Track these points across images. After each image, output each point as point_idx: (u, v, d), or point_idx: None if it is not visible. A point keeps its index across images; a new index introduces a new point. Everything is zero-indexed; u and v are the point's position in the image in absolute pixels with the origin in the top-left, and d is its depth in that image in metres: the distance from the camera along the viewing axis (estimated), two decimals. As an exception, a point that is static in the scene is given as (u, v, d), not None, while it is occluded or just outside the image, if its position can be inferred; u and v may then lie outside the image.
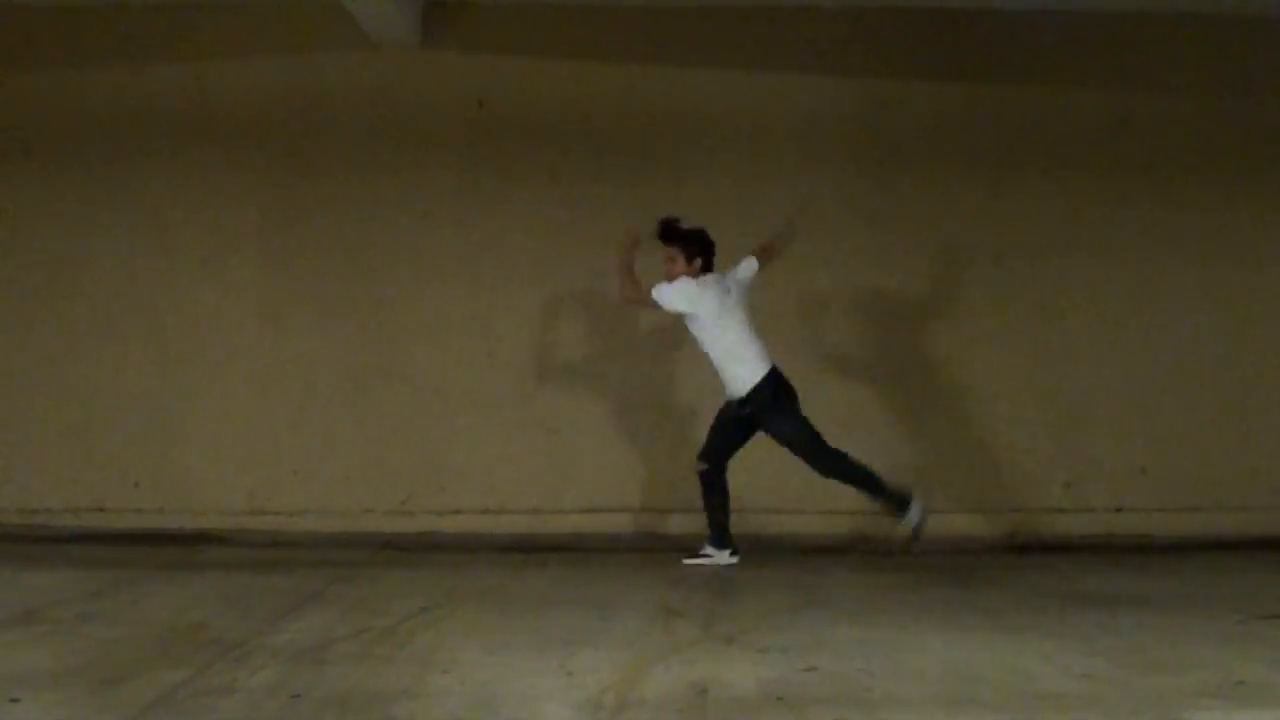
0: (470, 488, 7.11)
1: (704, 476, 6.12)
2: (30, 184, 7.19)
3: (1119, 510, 7.17)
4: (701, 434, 7.05)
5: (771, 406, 5.90)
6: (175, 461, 7.12)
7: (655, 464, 7.12)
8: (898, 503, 5.95)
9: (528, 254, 7.20)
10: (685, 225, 5.98)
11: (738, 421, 6.02)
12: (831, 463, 5.93)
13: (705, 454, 6.13)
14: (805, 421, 5.94)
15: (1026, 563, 6.28)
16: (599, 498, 7.09)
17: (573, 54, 7.26)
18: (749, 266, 6.14)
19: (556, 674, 3.80)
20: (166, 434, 7.14)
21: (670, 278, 5.95)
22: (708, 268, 6.02)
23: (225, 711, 3.41)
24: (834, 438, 5.94)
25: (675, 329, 7.15)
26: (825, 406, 6.28)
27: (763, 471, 6.96)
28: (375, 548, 6.51)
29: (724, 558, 6.04)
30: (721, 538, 6.09)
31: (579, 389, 7.16)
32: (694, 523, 7.04)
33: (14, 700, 3.45)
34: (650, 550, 6.59)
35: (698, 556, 6.07)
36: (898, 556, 6.00)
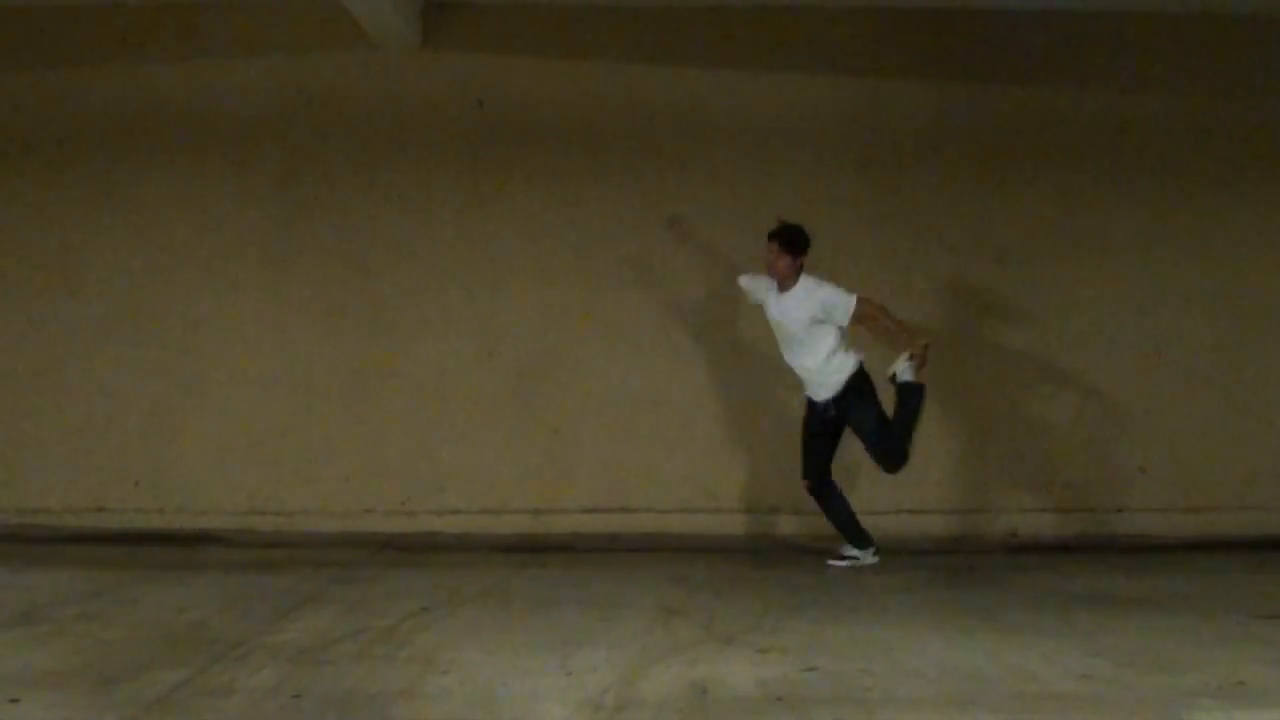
0: (470, 488, 7.10)
1: (812, 492, 6.11)
2: (30, 184, 7.18)
3: (1119, 510, 7.17)
4: (701, 433, 7.07)
5: (853, 397, 5.98)
6: (175, 461, 7.11)
7: (654, 464, 7.11)
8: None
9: (528, 254, 7.19)
10: (786, 223, 6.01)
11: (823, 424, 6.04)
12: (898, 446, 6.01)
13: (805, 471, 6.11)
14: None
15: (1026, 563, 6.28)
16: (599, 498, 7.09)
17: (573, 54, 7.25)
18: (845, 306, 5.93)
19: (556, 674, 3.81)
20: (166, 434, 7.13)
21: (774, 272, 6.00)
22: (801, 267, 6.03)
23: (225, 711, 3.42)
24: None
25: (673, 329, 7.18)
26: (825, 406, 6.25)
27: (765, 472, 6.98)
28: (375, 548, 6.51)
29: (867, 557, 6.03)
30: (858, 538, 6.07)
31: (579, 389, 7.16)
32: (694, 523, 7.05)
33: (14, 700, 3.45)
34: (650, 550, 6.59)
35: (842, 559, 6.05)
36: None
